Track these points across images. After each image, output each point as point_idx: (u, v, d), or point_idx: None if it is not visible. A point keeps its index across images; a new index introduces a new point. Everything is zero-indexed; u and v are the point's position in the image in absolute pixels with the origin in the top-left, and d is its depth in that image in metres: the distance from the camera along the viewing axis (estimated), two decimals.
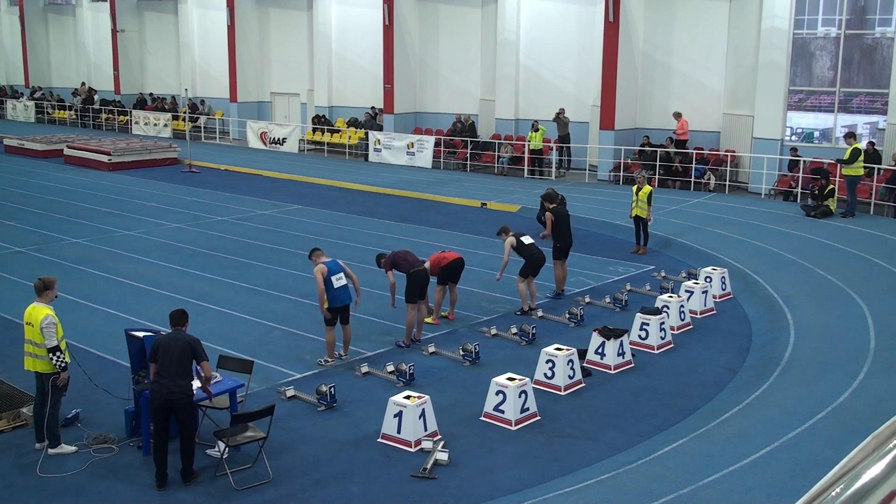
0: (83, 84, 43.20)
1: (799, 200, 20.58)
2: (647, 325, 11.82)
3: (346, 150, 31.70)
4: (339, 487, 7.95)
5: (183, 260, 16.50)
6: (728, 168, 23.05)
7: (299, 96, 36.09)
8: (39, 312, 8.35)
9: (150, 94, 40.85)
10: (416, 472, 8.15)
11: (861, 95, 23.40)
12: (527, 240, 13.38)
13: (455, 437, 8.90)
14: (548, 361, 10.34)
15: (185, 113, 33.80)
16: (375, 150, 30.11)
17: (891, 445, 1.70)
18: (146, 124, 37.43)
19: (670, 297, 13.02)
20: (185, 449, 7.95)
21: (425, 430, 8.77)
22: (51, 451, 8.47)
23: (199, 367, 8.07)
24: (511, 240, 13.26)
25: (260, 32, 36.75)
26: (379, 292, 13.08)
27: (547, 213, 14.25)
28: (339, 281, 10.89)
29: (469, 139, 28.55)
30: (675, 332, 12.36)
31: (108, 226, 19.58)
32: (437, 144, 28.62)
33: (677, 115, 24.30)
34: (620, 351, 11.10)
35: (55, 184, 25.66)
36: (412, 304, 11.68)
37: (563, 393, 10.17)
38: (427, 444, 8.59)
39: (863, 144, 19.96)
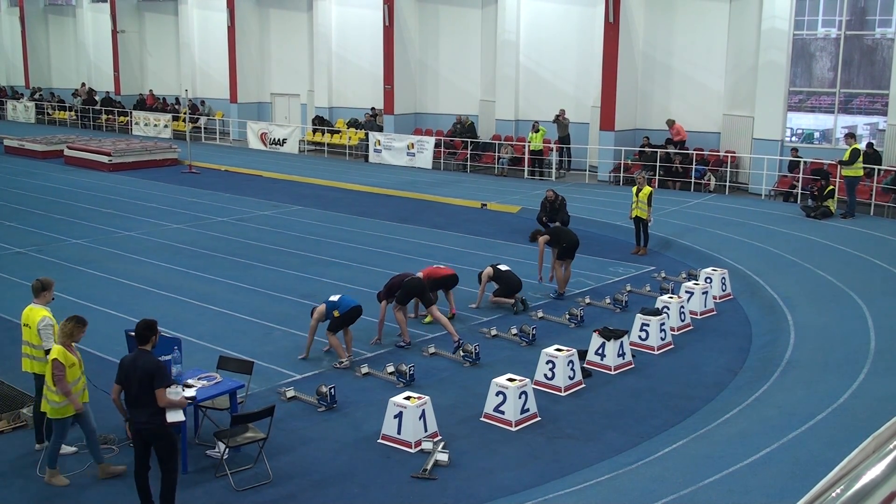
0: (83, 85, 43.22)
1: (799, 201, 20.58)
2: (648, 325, 11.83)
3: (347, 151, 31.71)
4: (339, 488, 7.95)
5: (183, 260, 16.50)
6: (728, 169, 23.05)
7: (299, 97, 36.10)
8: (36, 314, 8.35)
9: (150, 91, 40.84)
10: (416, 473, 8.15)
11: (861, 96, 23.40)
12: (503, 267, 13.81)
13: (455, 438, 8.90)
14: (548, 362, 10.34)
15: (185, 114, 33.80)
16: (375, 150, 30.11)
17: (891, 446, 1.70)
18: (146, 125, 37.45)
19: (670, 297, 13.02)
20: (164, 486, 7.29)
21: (425, 430, 8.77)
22: None
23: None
24: (488, 271, 13.62)
25: (260, 33, 36.77)
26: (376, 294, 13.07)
27: (539, 238, 14.32)
28: (335, 295, 11.17)
29: (469, 140, 28.56)
30: (676, 332, 12.36)
31: (108, 226, 19.58)
32: (437, 145, 28.62)
33: (671, 123, 24.36)
34: (620, 352, 11.09)
35: (55, 184, 25.66)
36: (401, 306, 11.77)
37: (563, 394, 10.17)
38: (427, 445, 8.59)
39: (862, 146, 19.97)
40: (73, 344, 7.82)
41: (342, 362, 10.92)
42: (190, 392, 8.25)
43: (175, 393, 7.35)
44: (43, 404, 7.99)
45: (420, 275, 12.51)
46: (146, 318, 7.60)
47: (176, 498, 7.33)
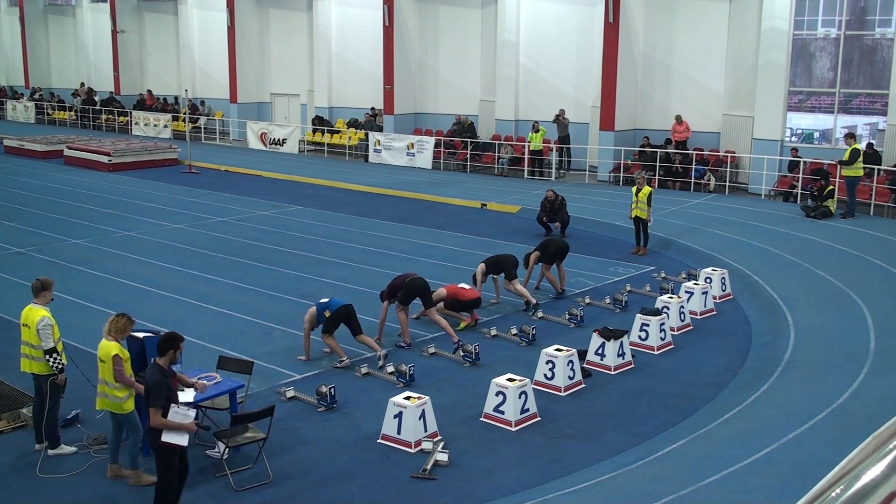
0: (82, 85, 43.20)
1: (799, 201, 20.58)
2: (647, 325, 11.82)
3: (346, 151, 31.71)
4: (338, 488, 7.95)
5: (183, 260, 16.50)
6: (728, 169, 23.05)
7: (299, 97, 36.09)
8: (35, 314, 8.33)
9: (149, 91, 40.83)
10: (416, 473, 8.15)
11: (861, 96, 23.40)
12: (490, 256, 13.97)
13: (455, 438, 8.90)
14: (548, 362, 10.34)
15: (185, 114, 33.80)
16: (375, 150, 30.11)
17: (891, 446, 1.70)
18: (146, 125, 37.44)
19: (670, 297, 13.02)
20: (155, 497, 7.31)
21: (425, 430, 8.77)
22: (50, 451, 8.47)
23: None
24: (481, 267, 13.59)
25: (260, 33, 36.76)
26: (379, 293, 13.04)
27: (531, 257, 14.39)
28: (325, 298, 11.21)
29: (469, 140, 28.55)
30: (675, 332, 12.35)
31: (107, 226, 19.58)
32: (437, 145, 28.61)
33: (679, 119, 24.40)
34: (620, 352, 11.09)
35: (55, 184, 25.66)
36: (403, 307, 11.79)
37: (563, 394, 10.17)
38: (427, 445, 8.59)
39: (862, 145, 19.96)
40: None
41: (342, 361, 10.91)
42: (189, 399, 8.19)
43: (183, 415, 7.10)
44: (101, 402, 7.93)
45: (443, 290, 12.52)
46: (172, 332, 7.57)
47: None
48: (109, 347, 7.78)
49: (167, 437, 7.04)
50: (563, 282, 14.43)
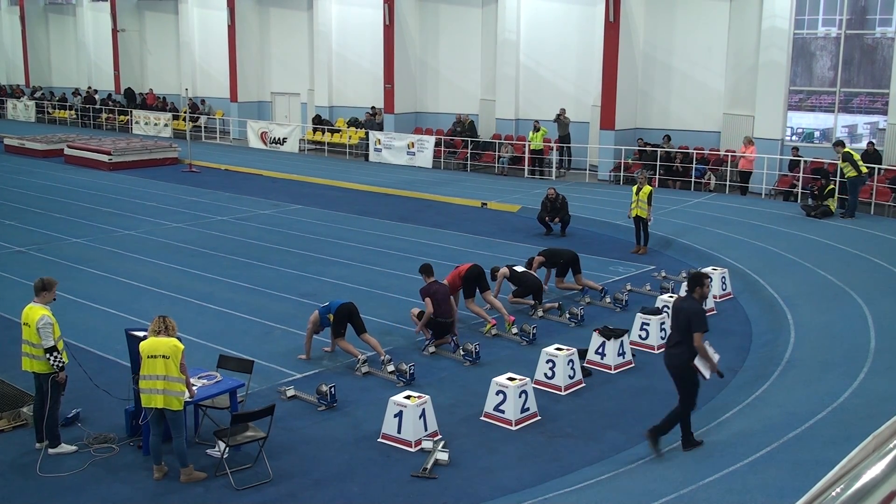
0: (90, 87, 43.05)
1: (799, 200, 20.58)
2: (648, 324, 11.83)
3: (347, 150, 31.70)
4: (339, 487, 7.95)
5: (183, 260, 16.50)
6: (728, 168, 23.04)
7: (299, 96, 36.09)
8: (36, 313, 8.33)
9: (151, 90, 40.82)
10: (416, 472, 8.15)
11: (861, 95, 23.39)
12: (519, 269, 13.73)
13: (455, 437, 8.90)
14: (548, 361, 10.34)
15: (185, 113, 33.79)
16: (376, 149, 30.11)
17: (891, 446, 1.70)
18: (146, 124, 37.44)
19: (670, 296, 13.00)
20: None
21: (425, 429, 8.77)
22: (51, 450, 8.46)
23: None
24: (504, 271, 13.50)
25: (260, 32, 36.76)
26: (379, 292, 13.07)
27: (535, 259, 14.36)
28: (325, 303, 11.27)
29: (469, 139, 28.55)
30: None
31: (108, 225, 19.58)
32: (437, 144, 28.61)
33: (749, 141, 22.30)
34: (621, 351, 11.10)
35: (55, 183, 25.66)
36: (422, 325, 11.85)
37: (563, 393, 10.17)
38: (427, 444, 8.59)
39: (863, 145, 19.94)
40: None
41: (361, 359, 10.81)
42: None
43: (713, 352, 8.00)
44: (165, 400, 7.83)
45: (445, 282, 12.49)
46: (698, 271, 8.76)
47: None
48: (178, 344, 7.94)
49: (698, 362, 7.82)
50: (593, 287, 14.25)
